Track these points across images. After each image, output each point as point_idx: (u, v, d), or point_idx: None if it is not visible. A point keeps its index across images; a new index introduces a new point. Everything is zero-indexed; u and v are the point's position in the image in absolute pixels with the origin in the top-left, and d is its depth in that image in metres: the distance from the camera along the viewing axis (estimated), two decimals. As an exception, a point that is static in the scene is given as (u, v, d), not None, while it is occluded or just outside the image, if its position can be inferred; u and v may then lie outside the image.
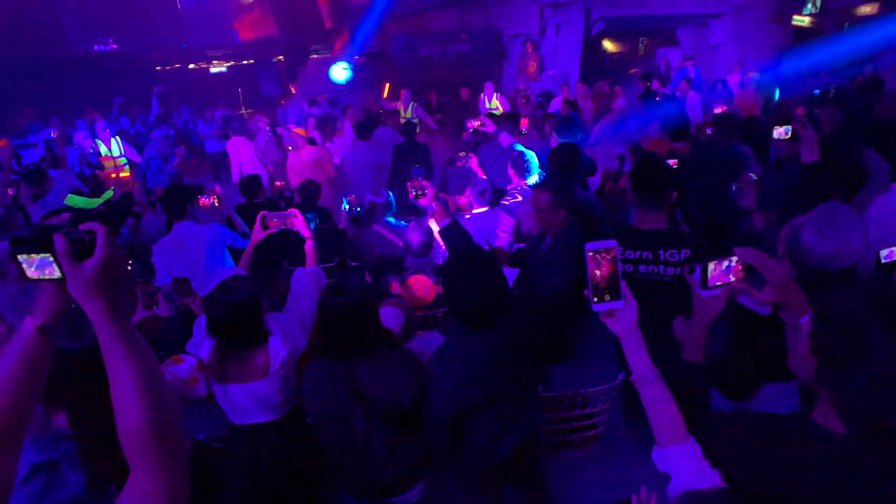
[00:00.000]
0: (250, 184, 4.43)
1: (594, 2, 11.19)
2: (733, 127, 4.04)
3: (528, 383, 1.93)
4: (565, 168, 3.37)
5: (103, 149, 6.83)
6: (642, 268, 2.38)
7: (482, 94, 9.27)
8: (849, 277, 1.69)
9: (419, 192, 2.45)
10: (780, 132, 2.56)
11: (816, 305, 1.31)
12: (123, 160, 6.94)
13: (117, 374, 0.88)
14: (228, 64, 18.29)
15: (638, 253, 2.39)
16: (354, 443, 1.89)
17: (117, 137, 7.07)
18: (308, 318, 2.13)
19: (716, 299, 1.36)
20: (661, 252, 2.35)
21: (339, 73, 10.41)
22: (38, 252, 0.89)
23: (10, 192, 4.10)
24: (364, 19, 11.28)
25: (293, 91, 12.24)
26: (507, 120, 5.13)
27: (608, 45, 15.53)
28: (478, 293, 1.76)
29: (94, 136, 7.01)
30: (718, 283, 1.34)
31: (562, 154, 3.43)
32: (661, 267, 2.35)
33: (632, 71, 12.62)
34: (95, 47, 14.89)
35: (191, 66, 17.87)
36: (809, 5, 11.81)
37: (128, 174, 6.81)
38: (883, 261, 1.93)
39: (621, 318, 1.27)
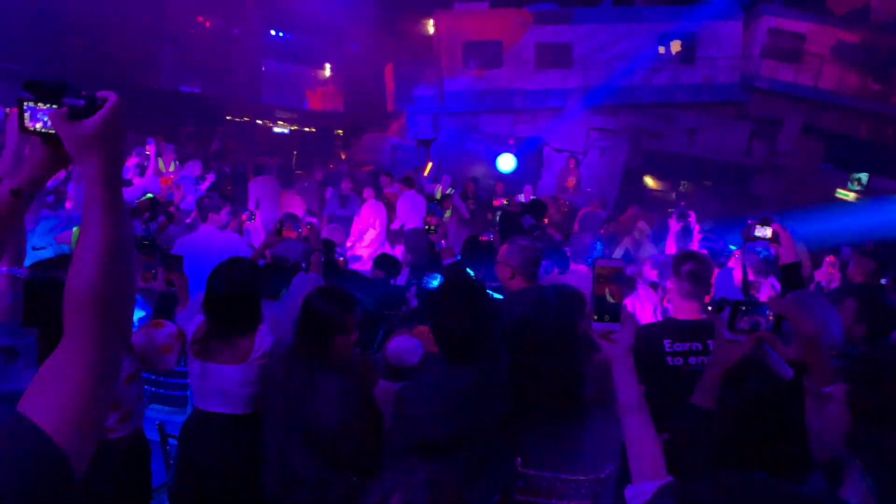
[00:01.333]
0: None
1: (641, 134, 11.88)
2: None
3: (505, 437, 1.80)
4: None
5: (161, 164, 7.39)
6: (692, 360, 2.32)
7: (518, 195, 9.65)
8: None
9: (431, 228, 2.50)
10: (762, 231, 2.58)
11: (855, 365, 1.24)
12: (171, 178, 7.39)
13: (86, 236, 0.84)
14: (292, 127, 19.72)
15: (688, 345, 2.34)
16: (284, 458, 1.76)
17: (177, 161, 7.69)
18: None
19: (739, 344, 1.31)
20: (710, 343, 2.29)
21: (506, 162, 10.69)
22: (46, 101, 0.87)
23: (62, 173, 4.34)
24: (424, 108, 12.18)
25: (343, 157, 12.97)
26: (534, 207, 5.33)
27: (649, 181, 16.21)
28: (465, 322, 1.71)
29: (158, 153, 7.60)
30: (746, 328, 1.30)
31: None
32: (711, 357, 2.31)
33: (669, 210, 13.03)
34: (181, 87, 16.37)
35: (258, 121, 19.32)
36: (855, 184, 12.23)
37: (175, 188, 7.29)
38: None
39: (618, 341, 1.22)
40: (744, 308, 1.31)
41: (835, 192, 12.24)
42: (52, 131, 0.87)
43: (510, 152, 10.66)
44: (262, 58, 18.45)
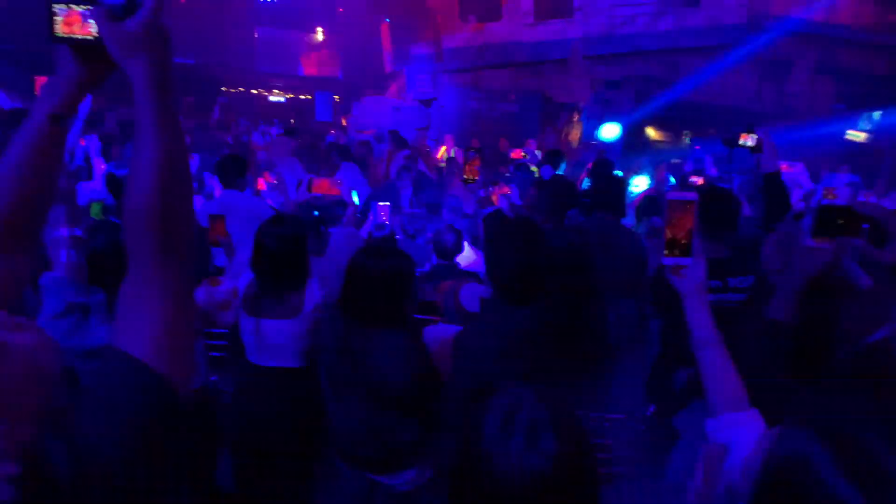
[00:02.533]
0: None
1: (647, 86, 11.63)
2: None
3: (563, 374, 1.84)
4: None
5: None
6: (712, 297, 2.34)
7: (521, 149, 9.55)
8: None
9: (470, 178, 2.49)
10: (745, 139, 2.59)
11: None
12: None
13: (140, 149, 0.79)
14: (288, 95, 19.36)
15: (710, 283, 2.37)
16: (351, 412, 1.80)
17: None
18: (343, 273, 2.14)
19: (823, 252, 1.25)
20: (729, 280, 2.33)
21: (611, 131, 10.44)
22: (80, 1, 0.78)
23: (83, 142, 4.31)
24: (422, 67, 11.93)
25: (344, 123, 12.81)
26: (551, 156, 5.30)
27: (651, 132, 15.95)
28: (522, 261, 1.66)
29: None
30: (829, 235, 1.25)
31: None
32: (730, 294, 2.33)
33: (675, 161, 12.83)
34: (175, 59, 15.96)
35: (253, 90, 18.96)
36: (866, 122, 11.93)
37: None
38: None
39: (689, 276, 1.21)
40: (827, 213, 1.24)
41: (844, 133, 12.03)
42: (89, 37, 0.79)
43: (614, 122, 10.32)
44: (255, 25, 17.95)
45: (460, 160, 9.22)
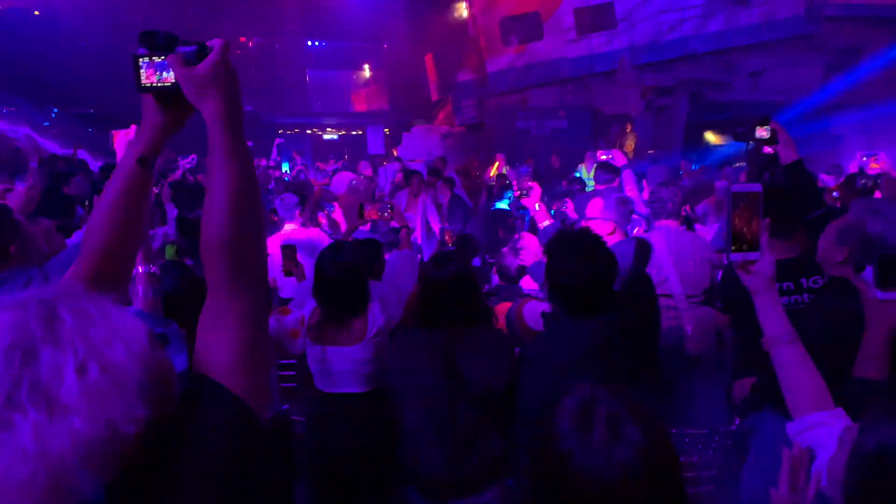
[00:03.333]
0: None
1: (701, 89, 11.22)
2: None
3: (638, 387, 1.74)
4: None
5: None
6: (784, 299, 2.21)
7: (581, 164, 9.39)
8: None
9: (524, 192, 2.46)
10: (761, 132, 2.48)
11: None
12: None
13: (212, 183, 0.85)
14: (340, 132, 20.20)
15: (779, 284, 2.22)
16: (436, 421, 1.79)
17: None
18: (403, 295, 2.14)
19: (894, 303, 1.17)
20: (803, 281, 2.21)
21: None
22: (161, 52, 0.90)
23: (155, 190, 4.64)
24: (468, 93, 12.08)
25: (395, 154, 13.13)
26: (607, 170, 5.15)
27: (710, 136, 15.31)
28: (585, 272, 1.62)
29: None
30: None
31: None
32: (805, 295, 2.21)
33: (737, 164, 12.24)
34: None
35: (308, 130, 19.92)
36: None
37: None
38: None
39: (757, 271, 1.14)
40: (889, 263, 1.16)
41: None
42: (168, 84, 0.90)
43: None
44: (306, 68, 18.95)
45: (512, 178, 9.24)
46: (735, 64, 11.17)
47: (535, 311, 2.10)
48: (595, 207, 2.53)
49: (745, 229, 1.13)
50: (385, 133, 17.28)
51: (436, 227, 5.65)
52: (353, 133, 20.00)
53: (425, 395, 1.81)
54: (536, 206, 2.46)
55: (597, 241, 1.73)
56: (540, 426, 0.90)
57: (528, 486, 0.88)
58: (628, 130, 11.68)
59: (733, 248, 1.14)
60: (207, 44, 0.90)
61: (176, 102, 0.92)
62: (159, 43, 0.91)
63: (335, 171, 11.21)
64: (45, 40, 13.32)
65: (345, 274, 1.94)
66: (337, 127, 20.08)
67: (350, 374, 1.98)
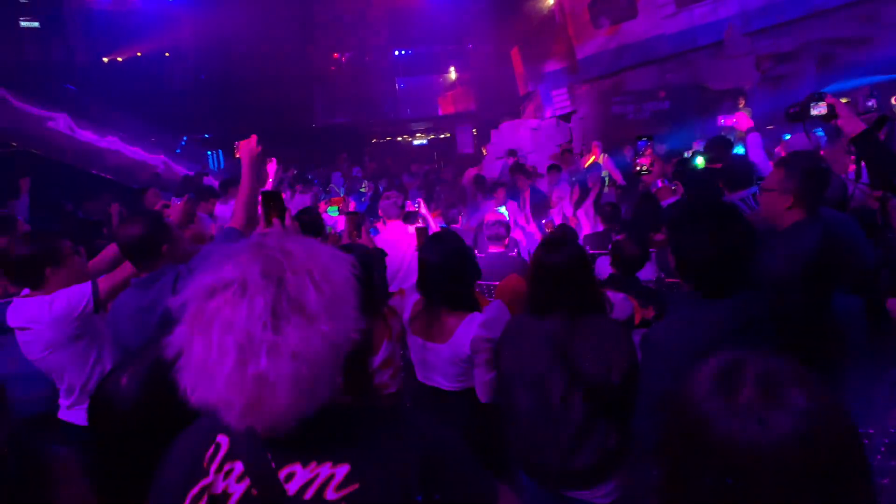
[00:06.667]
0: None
1: (833, 51, 9.73)
2: None
3: None
4: None
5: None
6: None
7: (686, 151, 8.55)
8: None
9: (644, 169, 2.16)
10: (818, 109, 2.31)
11: None
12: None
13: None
14: (430, 137, 20.50)
15: None
16: (548, 411, 1.67)
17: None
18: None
19: None
20: None
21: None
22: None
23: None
24: (557, 82, 11.57)
25: (485, 152, 12.93)
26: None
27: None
28: (717, 248, 1.44)
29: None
30: None
31: None
32: None
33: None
34: (332, 121, 18.11)
35: (398, 138, 20.44)
36: None
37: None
38: None
39: None
40: None
41: None
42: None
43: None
44: (395, 77, 19.46)
45: (611, 169, 8.63)
46: (878, 15, 9.50)
47: (619, 303, 2.10)
48: (775, 178, 2.23)
49: None
50: (473, 133, 17.19)
51: (523, 221, 5.69)
52: (441, 137, 20.18)
53: (537, 384, 1.71)
54: (660, 182, 2.14)
55: (731, 211, 1.54)
56: (671, 399, 0.82)
57: (663, 469, 0.80)
58: (741, 106, 10.46)
59: None
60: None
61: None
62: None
63: (426, 172, 11.32)
64: (174, 77, 14.98)
65: (446, 260, 1.89)
66: (425, 132, 20.39)
67: (440, 369, 1.91)
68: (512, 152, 10.34)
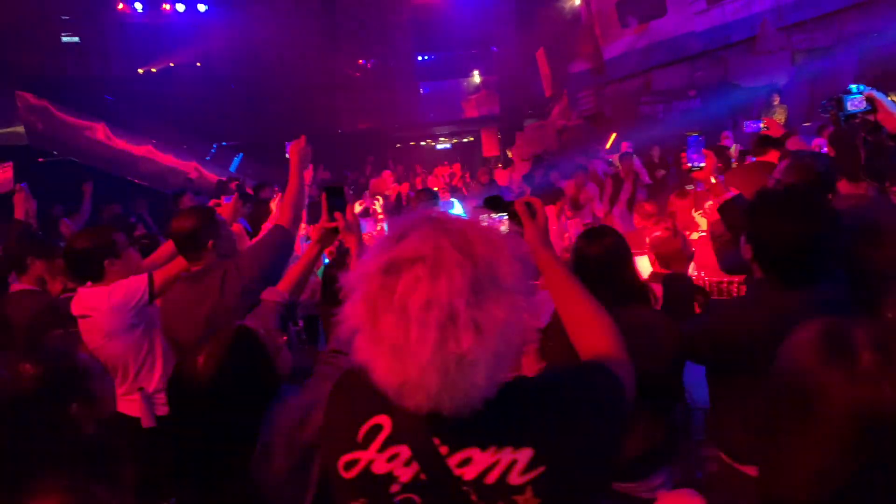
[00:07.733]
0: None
1: (875, 43, 9.40)
2: None
3: None
4: None
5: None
6: None
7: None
8: None
9: (695, 165, 2.08)
10: (854, 104, 2.20)
11: None
12: None
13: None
14: (453, 140, 20.52)
15: None
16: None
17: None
18: None
19: None
20: None
21: None
22: (498, 211, 1.26)
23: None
24: (584, 83, 11.46)
25: (510, 155, 12.88)
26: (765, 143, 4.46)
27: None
28: (797, 233, 1.39)
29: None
30: None
31: None
32: None
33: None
34: (357, 126, 18.31)
35: (422, 142, 20.51)
36: None
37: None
38: None
39: None
40: None
41: None
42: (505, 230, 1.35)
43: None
44: (419, 81, 19.57)
45: (639, 169, 8.49)
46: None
47: None
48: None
49: None
50: (497, 135, 17.16)
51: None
52: (465, 140, 20.19)
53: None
54: (713, 179, 2.08)
55: (812, 197, 1.49)
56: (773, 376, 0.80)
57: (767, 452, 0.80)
58: (776, 103, 10.19)
59: None
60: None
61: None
62: (498, 206, 1.29)
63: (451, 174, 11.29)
64: (205, 86, 15.40)
65: (607, 255, 1.82)
66: (449, 136, 20.42)
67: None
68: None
